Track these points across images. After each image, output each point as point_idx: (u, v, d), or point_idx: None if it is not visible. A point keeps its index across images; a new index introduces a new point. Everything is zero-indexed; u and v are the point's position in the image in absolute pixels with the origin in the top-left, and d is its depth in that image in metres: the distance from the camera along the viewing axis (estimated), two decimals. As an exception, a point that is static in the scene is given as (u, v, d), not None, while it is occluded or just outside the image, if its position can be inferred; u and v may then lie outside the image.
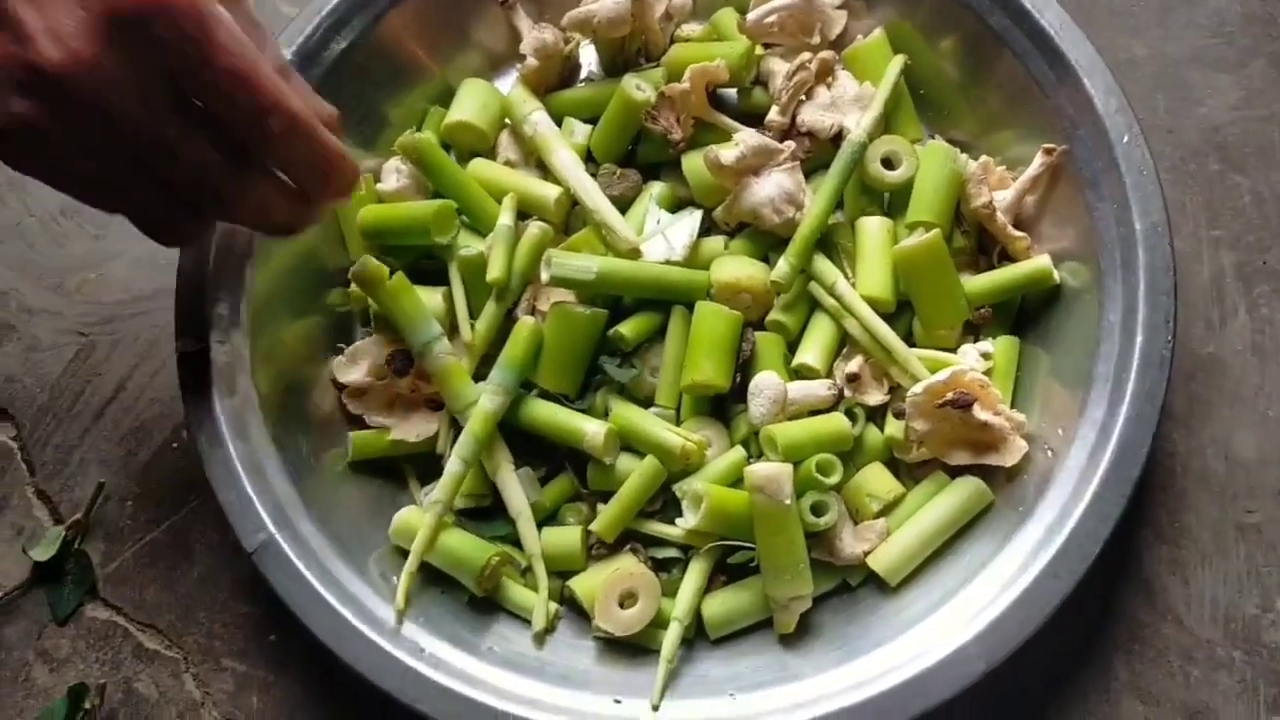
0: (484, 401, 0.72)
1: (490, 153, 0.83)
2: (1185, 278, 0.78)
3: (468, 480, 0.73)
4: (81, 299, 0.85)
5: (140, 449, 0.81)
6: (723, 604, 0.71)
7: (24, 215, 0.86)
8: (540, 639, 0.71)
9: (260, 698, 0.75)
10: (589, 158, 0.82)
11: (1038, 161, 0.75)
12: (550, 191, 0.78)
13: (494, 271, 0.75)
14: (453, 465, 0.71)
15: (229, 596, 0.77)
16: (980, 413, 0.69)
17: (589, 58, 0.86)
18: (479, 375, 0.76)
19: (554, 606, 0.72)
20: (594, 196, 0.77)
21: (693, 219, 0.78)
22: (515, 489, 0.72)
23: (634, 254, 0.75)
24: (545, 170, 0.81)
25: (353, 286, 0.79)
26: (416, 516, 0.73)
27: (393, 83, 0.83)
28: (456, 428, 0.75)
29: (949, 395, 0.68)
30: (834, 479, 0.70)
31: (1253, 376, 0.77)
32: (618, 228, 0.76)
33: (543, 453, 0.76)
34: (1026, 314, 0.76)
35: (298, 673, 0.75)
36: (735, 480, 0.71)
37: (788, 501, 0.67)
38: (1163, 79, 0.84)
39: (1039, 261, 0.74)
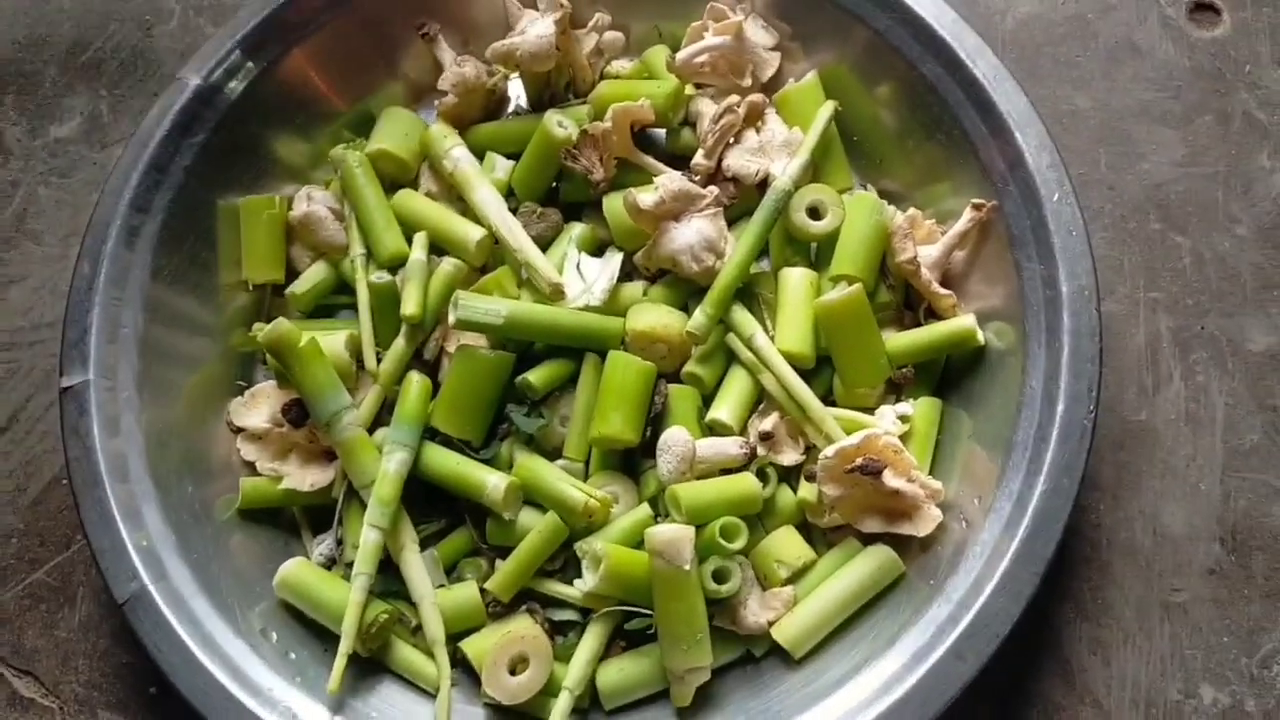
0: (386, 464, 0.69)
1: (413, 183, 0.80)
2: (1119, 340, 0.75)
3: (354, 530, 0.70)
4: (-21, 324, 0.81)
5: (29, 484, 0.78)
6: (619, 672, 0.67)
7: (-72, 234, 0.83)
8: None
9: (137, 753, 0.71)
10: (510, 194, 0.79)
11: (966, 217, 0.72)
12: (473, 233, 0.75)
13: (409, 307, 0.72)
14: (369, 535, 0.68)
15: (111, 644, 0.73)
16: (891, 480, 0.66)
17: (517, 89, 0.84)
18: (382, 420, 0.73)
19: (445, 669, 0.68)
20: (516, 235, 0.74)
21: (613, 263, 0.75)
22: (420, 573, 0.69)
23: (557, 294, 0.72)
24: (465, 205, 0.78)
25: (254, 328, 0.75)
26: (303, 570, 0.70)
27: (309, 110, 0.80)
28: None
29: (858, 461, 0.65)
30: (738, 544, 0.66)
31: (1185, 447, 0.74)
32: (541, 267, 0.73)
33: (441, 502, 0.72)
34: (951, 374, 0.74)
35: (176, 729, 0.71)
36: (641, 541, 0.68)
37: (687, 567, 0.64)
38: (1105, 133, 0.81)
39: (963, 321, 0.71)
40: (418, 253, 0.75)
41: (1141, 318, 0.77)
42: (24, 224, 0.83)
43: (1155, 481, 0.73)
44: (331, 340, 0.73)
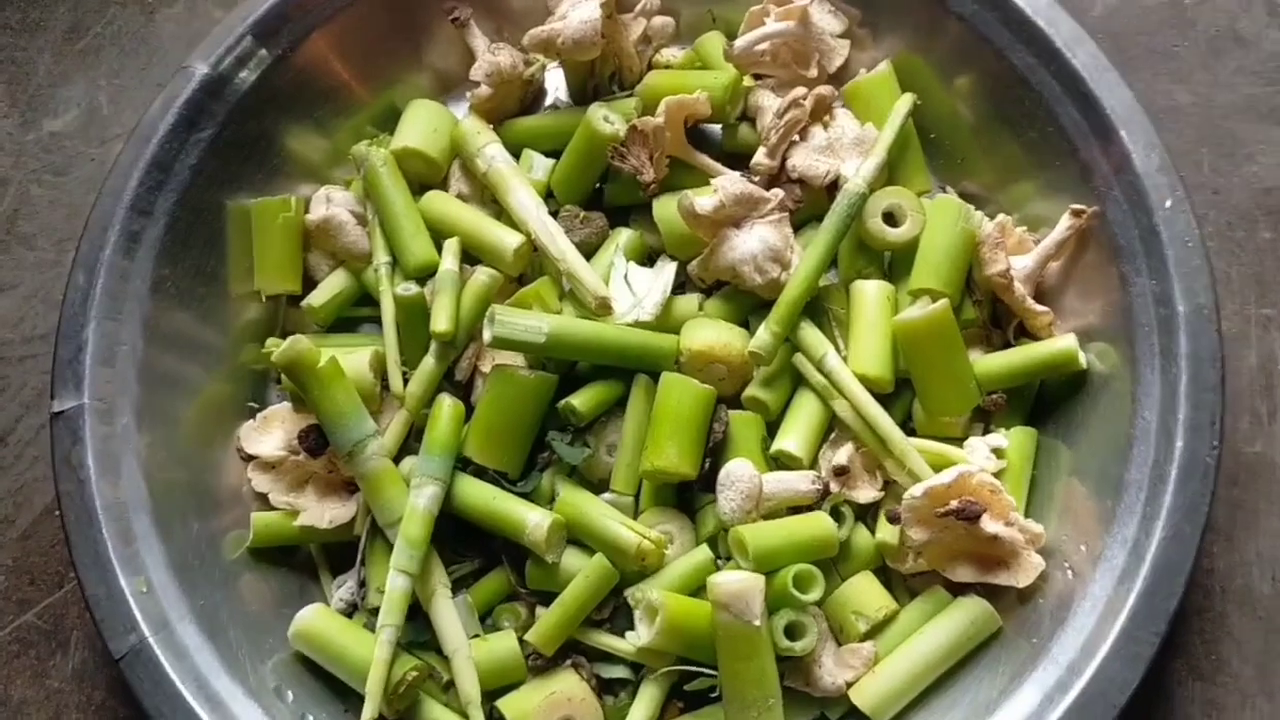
0: (415, 500, 0.61)
1: (442, 184, 0.73)
2: (1229, 364, 0.67)
3: (378, 571, 0.62)
4: (-35, 337, 0.74)
5: (19, 515, 0.70)
6: (677, 739, 0.60)
7: (-88, 239, 0.76)
8: None
9: (136, 819, 0.64)
10: (549, 196, 0.71)
11: (1064, 224, 0.64)
12: (510, 240, 0.67)
13: (440, 324, 0.65)
14: (396, 582, 0.60)
15: (107, 696, 0.66)
16: (989, 524, 0.58)
17: (557, 80, 0.76)
18: (409, 447, 0.66)
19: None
20: (558, 242, 0.67)
21: (665, 274, 0.68)
22: (452, 621, 0.61)
23: (604, 309, 0.65)
24: (500, 209, 0.70)
25: (268, 344, 0.68)
26: (322, 618, 0.62)
27: (329, 102, 0.73)
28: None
29: (953, 504, 0.58)
30: (813, 595, 0.59)
31: (1306, 483, 0.66)
32: (585, 279, 0.65)
33: (476, 540, 0.65)
34: (1046, 401, 0.66)
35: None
36: (700, 587, 0.61)
37: (757, 623, 0.56)
38: (1208, 131, 0.73)
39: (1063, 342, 0.63)
40: (449, 262, 0.67)
41: (1254, 338, 0.69)
42: (15, 226, 0.76)
43: (1274, 521, 0.66)
44: (353, 359, 0.65)
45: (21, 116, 0.79)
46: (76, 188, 0.77)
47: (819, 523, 0.61)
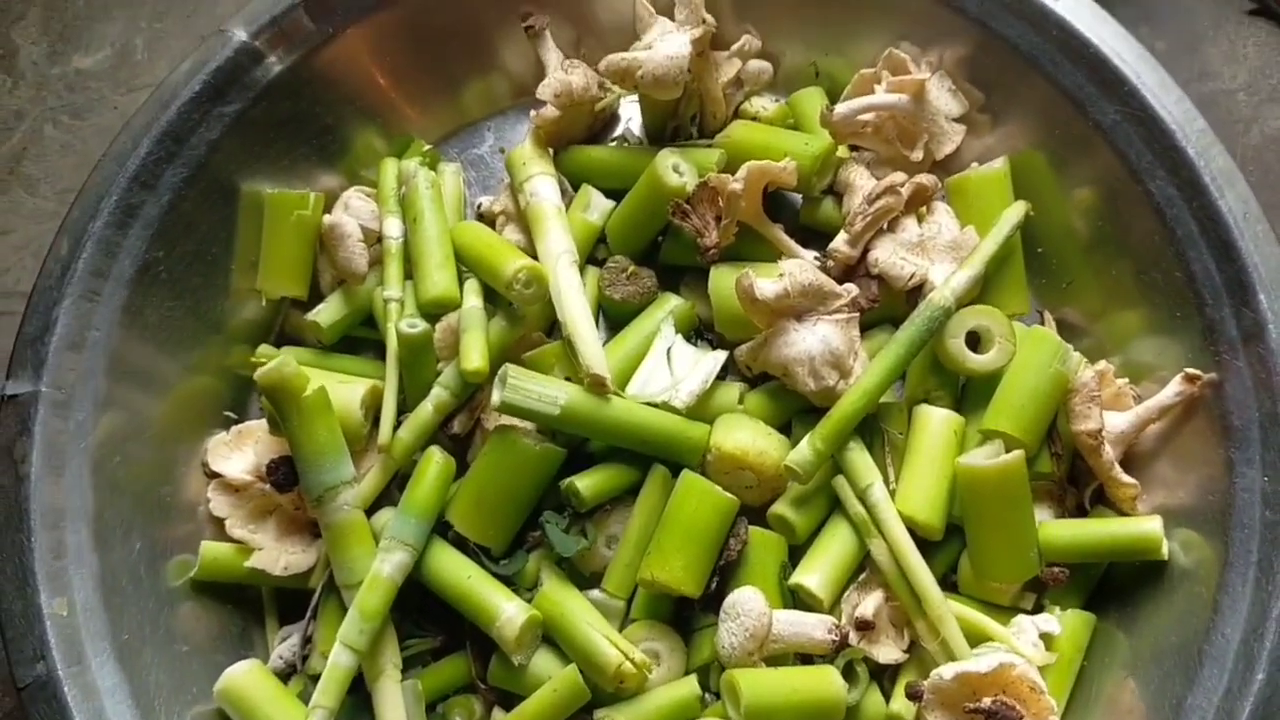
0: (380, 565, 0.54)
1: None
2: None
3: (329, 632, 0.55)
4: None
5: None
6: None
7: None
8: None
9: None
10: (601, 241, 0.64)
11: (1173, 389, 0.55)
12: (510, 266, 0.58)
13: (473, 361, 0.57)
14: (340, 658, 0.54)
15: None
16: (1023, 731, 0.50)
17: (632, 109, 0.68)
18: (390, 496, 0.59)
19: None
20: (569, 300, 0.58)
21: (712, 362, 0.59)
22: (394, 709, 0.54)
23: (598, 389, 0.57)
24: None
25: (259, 352, 0.61)
26: (254, 679, 0.55)
27: (375, 95, 0.65)
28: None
29: (985, 701, 0.49)
30: (805, 772, 0.51)
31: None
32: (586, 351, 0.57)
33: (442, 614, 0.58)
34: (1112, 581, 0.57)
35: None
36: (679, 725, 0.53)
37: (734, 796, 0.49)
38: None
39: (1147, 525, 0.55)
40: (472, 300, 0.60)
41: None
42: (20, 166, 0.70)
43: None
44: (345, 392, 0.58)
45: (51, 46, 0.72)
46: (92, 136, 0.70)
47: (827, 681, 0.53)
